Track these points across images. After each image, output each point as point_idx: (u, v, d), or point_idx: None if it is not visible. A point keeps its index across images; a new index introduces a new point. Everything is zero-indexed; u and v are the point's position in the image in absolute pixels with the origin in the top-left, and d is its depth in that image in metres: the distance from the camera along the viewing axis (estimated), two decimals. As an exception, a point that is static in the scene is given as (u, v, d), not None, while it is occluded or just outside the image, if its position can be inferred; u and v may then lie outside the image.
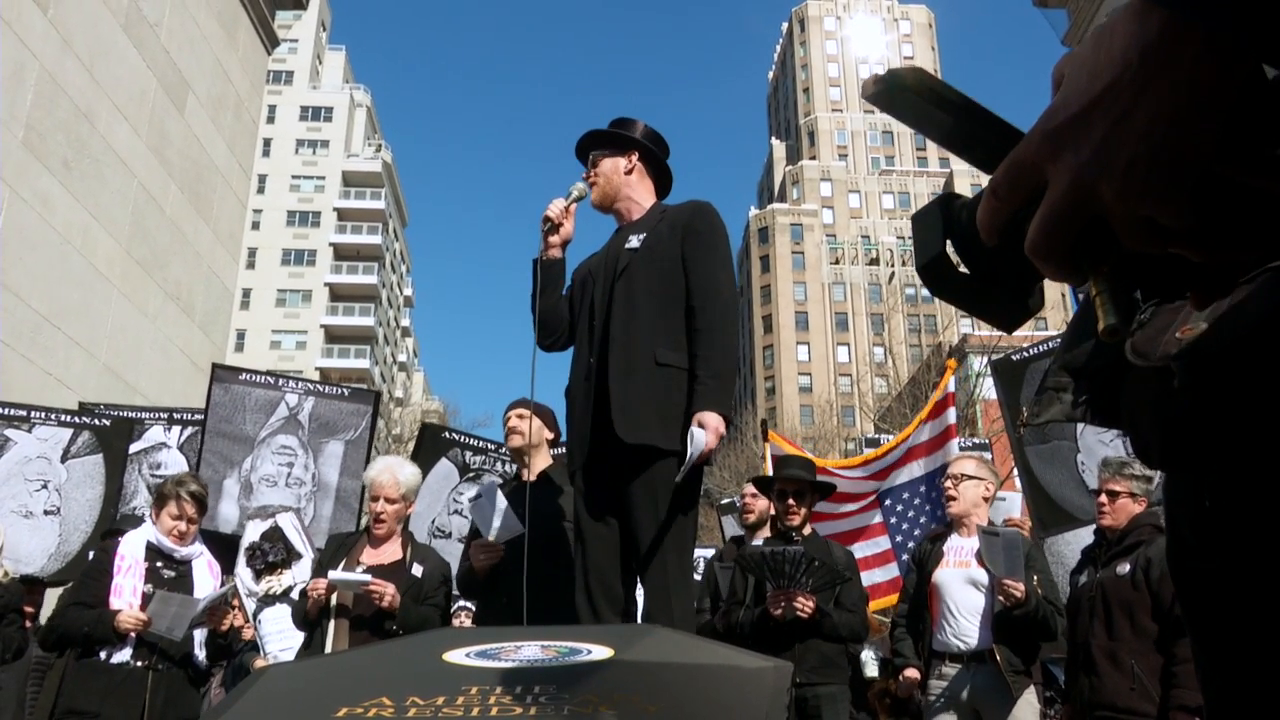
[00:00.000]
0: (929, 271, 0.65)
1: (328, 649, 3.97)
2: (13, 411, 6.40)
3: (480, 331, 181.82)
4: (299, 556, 5.72)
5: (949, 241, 0.64)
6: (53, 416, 6.46)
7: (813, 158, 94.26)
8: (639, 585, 3.37)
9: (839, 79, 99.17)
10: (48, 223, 8.09)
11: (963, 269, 0.64)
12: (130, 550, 4.36)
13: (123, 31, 9.11)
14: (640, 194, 3.58)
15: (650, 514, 3.17)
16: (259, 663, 5.29)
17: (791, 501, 4.68)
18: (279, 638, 5.37)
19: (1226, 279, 0.60)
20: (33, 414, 6.43)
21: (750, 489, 5.73)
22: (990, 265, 0.62)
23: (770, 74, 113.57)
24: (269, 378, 6.85)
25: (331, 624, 4.06)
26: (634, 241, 3.43)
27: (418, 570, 4.18)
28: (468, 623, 6.70)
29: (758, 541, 5.28)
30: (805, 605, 4.38)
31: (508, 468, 6.72)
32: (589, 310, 3.44)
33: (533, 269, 3.56)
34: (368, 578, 4.01)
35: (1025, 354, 6.41)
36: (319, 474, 6.48)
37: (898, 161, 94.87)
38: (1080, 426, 6.02)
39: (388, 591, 3.97)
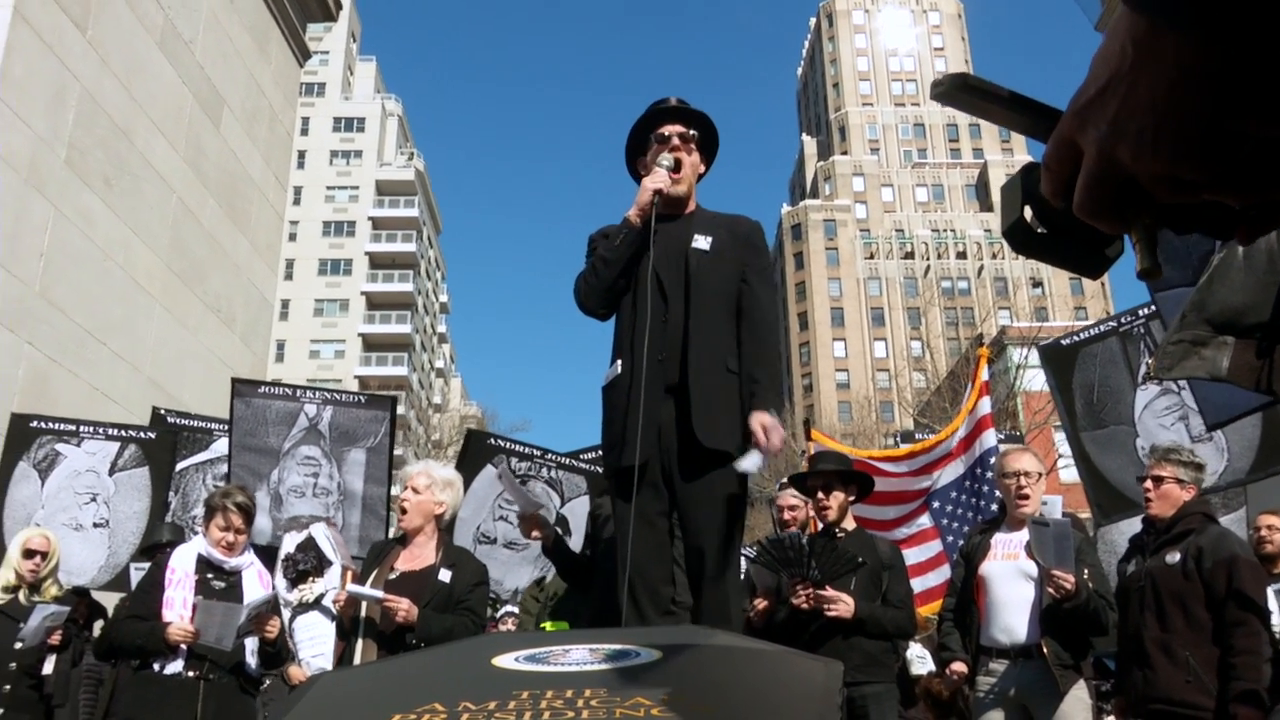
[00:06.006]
0: (1011, 235, 0.75)
1: (356, 663, 3.95)
2: (63, 426, 6.54)
3: (516, 336, 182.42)
4: (330, 564, 5.78)
5: (1028, 207, 0.74)
6: (100, 430, 6.57)
7: (844, 153, 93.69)
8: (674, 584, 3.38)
9: (869, 73, 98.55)
10: (89, 239, 8.22)
11: (1040, 230, 0.74)
12: (181, 563, 4.44)
13: (158, 49, 9.24)
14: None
15: (713, 518, 3.17)
16: (293, 669, 5.34)
17: (820, 494, 4.65)
18: (311, 644, 5.44)
19: (1268, 215, 0.66)
20: (81, 428, 6.56)
21: (786, 499, 5.64)
22: (1064, 222, 0.72)
23: (799, 70, 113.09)
24: (286, 389, 6.94)
25: (360, 642, 4.04)
26: (702, 242, 3.36)
27: (445, 576, 4.10)
28: (513, 629, 6.72)
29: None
30: (840, 608, 4.27)
31: (553, 474, 6.76)
32: (658, 300, 3.29)
33: (630, 230, 3.29)
34: (381, 594, 3.97)
35: (1076, 338, 6.34)
36: (344, 483, 6.51)
37: (930, 154, 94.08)
38: (1139, 410, 5.89)
39: (401, 607, 3.91)
